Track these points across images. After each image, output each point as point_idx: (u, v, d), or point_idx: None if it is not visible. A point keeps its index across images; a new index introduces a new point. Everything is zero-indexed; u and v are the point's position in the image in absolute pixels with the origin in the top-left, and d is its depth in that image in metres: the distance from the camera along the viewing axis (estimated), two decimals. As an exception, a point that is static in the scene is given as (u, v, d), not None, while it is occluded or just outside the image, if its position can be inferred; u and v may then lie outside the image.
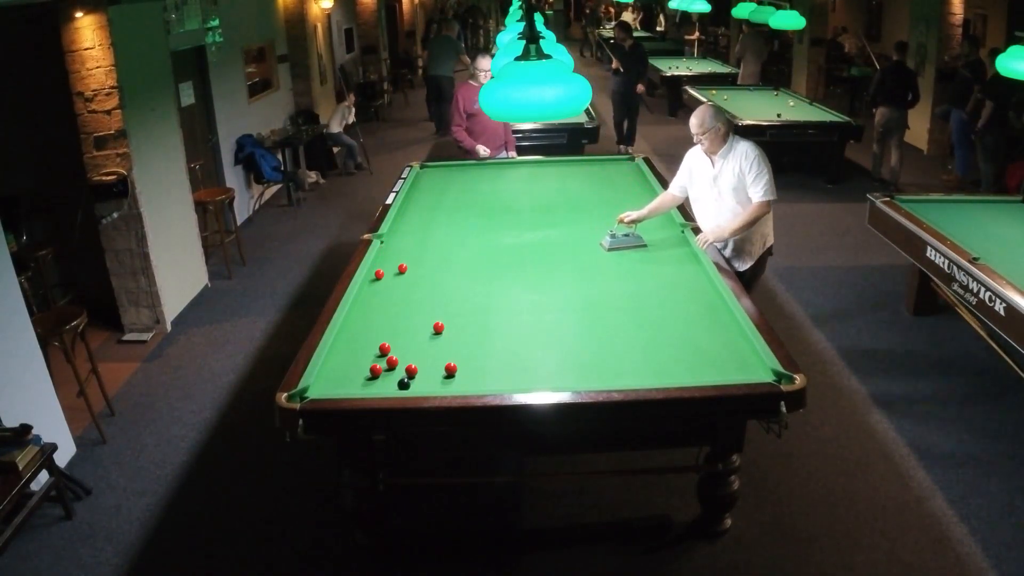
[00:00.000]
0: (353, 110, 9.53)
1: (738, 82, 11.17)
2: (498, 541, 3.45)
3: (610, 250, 4.09)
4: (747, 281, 4.22)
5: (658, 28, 19.49)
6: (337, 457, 3.06)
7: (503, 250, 4.26)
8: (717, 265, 3.85)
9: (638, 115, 9.66)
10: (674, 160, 9.50)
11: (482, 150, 5.99)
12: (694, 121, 4.07)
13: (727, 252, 4.21)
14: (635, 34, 18.20)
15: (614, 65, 9.22)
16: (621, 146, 9.49)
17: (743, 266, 4.22)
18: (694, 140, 4.15)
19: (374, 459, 3.02)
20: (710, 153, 4.14)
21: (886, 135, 8.19)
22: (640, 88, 9.34)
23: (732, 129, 4.17)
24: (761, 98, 9.56)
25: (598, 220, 4.66)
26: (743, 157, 4.04)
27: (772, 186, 4.03)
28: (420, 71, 15.53)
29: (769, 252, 4.37)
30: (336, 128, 9.28)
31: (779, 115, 8.47)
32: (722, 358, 3.01)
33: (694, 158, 4.30)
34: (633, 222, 4.20)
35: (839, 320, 5.30)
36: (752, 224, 4.07)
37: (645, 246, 4.14)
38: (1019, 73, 4.91)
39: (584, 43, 21.86)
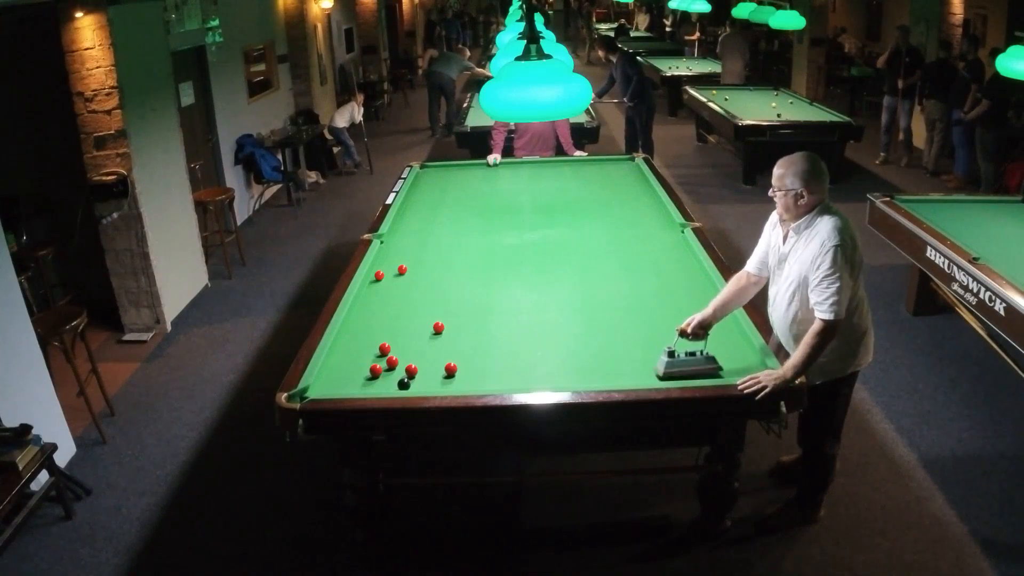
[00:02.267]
0: (362, 109, 9.52)
1: (721, 81, 11.15)
2: (498, 541, 3.44)
3: (665, 377, 2.87)
4: (809, 410, 2.90)
5: (667, 28, 19.50)
6: (337, 457, 3.06)
7: (503, 250, 4.26)
8: (717, 263, 3.84)
9: (647, 130, 8.62)
10: (675, 162, 9.64)
11: (492, 159, 5.98)
12: (778, 170, 2.94)
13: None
14: (635, 34, 18.23)
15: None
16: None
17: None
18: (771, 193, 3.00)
19: (374, 459, 3.03)
20: (783, 220, 3.01)
21: (932, 126, 8.60)
22: (618, 101, 8.58)
23: (824, 199, 2.93)
24: (761, 98, 9.56)
25: (598, 220, 4.66)
26: (822, 241, 2.83)
27: (842, 299, 2.79)
28: (420, 71, 15.54)
29: (853, 376, 3.12)
30: (341, 124, 9.26)
31: (779, 115, 8.47)
32: (722, 358, 3.00)
33: (771, 224, 3.15)
34: (702, 329, 2.99)
35: (839, 320, 5.29)
36: (816, 355, 2.82)
37: (720, 374, 2.88)
38: (1019, 73, 4.91)
39: (578, 41, 21.79)
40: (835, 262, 2.78)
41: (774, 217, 3.11)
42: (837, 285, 2.78)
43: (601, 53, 8.99)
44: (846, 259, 2.80)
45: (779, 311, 3.08)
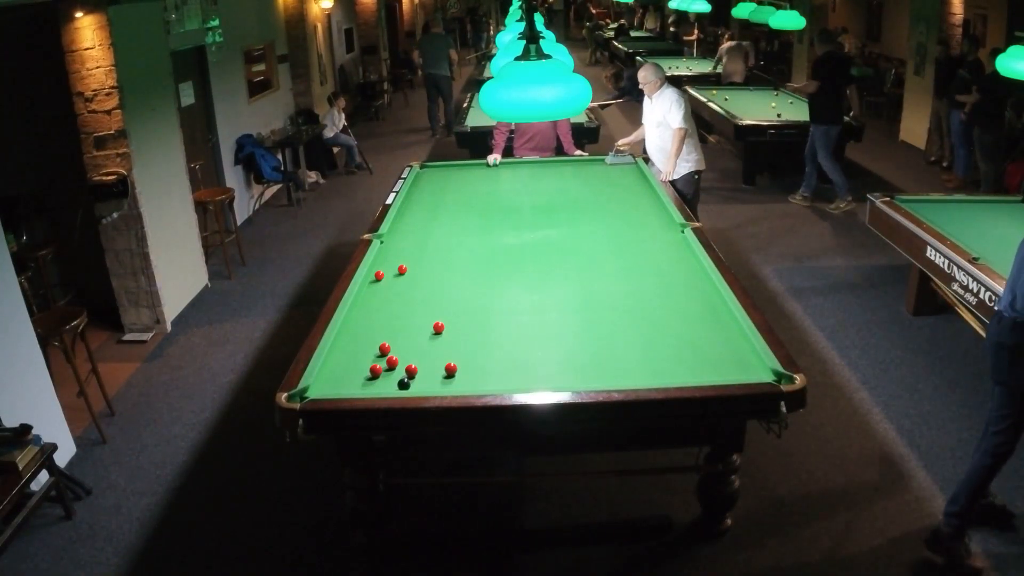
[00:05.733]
0: (342, 115, 9.47)
1: (721, 81, 11.15)
2: (498, 541, 3.45)
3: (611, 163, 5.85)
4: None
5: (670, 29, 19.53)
6: (337, 457, 3.06)
7: (503, 250, 4.26)
8: (717, 263, 3.83)
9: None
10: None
11: (492, 159, 5.98)
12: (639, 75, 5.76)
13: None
14: (636, 34, 18.20)
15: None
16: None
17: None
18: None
19: (374, 459, 3.03)
20: (648, 96, 5.73)
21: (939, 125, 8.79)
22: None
23: (662, 84, 5.64)
24: (761, 98, 9.56)
25: (598, 220, 4.66)
26: (670, 97, 5.52)
27: (685, 116, 5.53)
28: (419, 71, 15.52)
29: (699, 172, 5.81)
30: (330, 134, 9.27)
31: (779, 115, 8.47)
32: (722, 358, 3.00)
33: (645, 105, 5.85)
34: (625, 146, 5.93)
35: (839, 320, 5.30)
36: (679, 151, 5.53)
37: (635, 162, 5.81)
38: (1019, 73, 4.91)
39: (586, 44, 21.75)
40: (680, 103, 5.47)
41: (646, 101, 5.75)
42: (682, 112, 5.45)
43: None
44: (682, 102, 5.50)
45: (653, 142, 5.76)
